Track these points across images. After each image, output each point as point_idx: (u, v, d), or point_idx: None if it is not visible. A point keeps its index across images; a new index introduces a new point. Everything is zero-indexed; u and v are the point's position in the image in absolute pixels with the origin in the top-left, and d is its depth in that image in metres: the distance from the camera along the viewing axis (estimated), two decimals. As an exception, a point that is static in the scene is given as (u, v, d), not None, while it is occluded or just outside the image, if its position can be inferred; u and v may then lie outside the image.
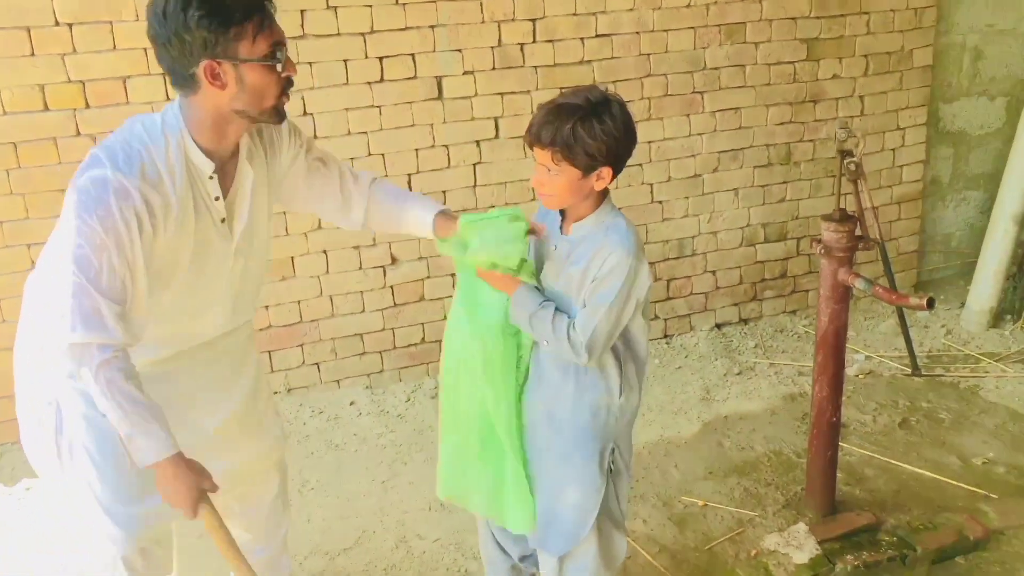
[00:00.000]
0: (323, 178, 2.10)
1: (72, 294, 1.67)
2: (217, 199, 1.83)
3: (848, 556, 2.64)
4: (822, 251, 2.51)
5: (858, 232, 2.51)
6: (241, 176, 1.87)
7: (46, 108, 3.15)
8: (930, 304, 2.21)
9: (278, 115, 1.80)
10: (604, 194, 1.94)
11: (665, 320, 4.24)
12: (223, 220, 1.86)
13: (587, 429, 2.01)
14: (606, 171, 1.85)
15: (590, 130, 1.78)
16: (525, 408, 2.07)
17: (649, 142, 3.93)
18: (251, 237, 1.94)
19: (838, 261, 2.50)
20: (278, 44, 1.71)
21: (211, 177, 1.80)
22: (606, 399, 2.00)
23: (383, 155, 3.56)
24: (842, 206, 2.58)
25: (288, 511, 2.44)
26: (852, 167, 2.45)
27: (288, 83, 1.77)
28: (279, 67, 1.72)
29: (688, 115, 3.95)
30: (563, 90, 1.95)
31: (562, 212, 1.99)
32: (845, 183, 2.57)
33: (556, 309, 1.92)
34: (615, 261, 1.86)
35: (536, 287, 1.96)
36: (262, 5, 1.69)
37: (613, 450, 2.06)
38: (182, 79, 1.71)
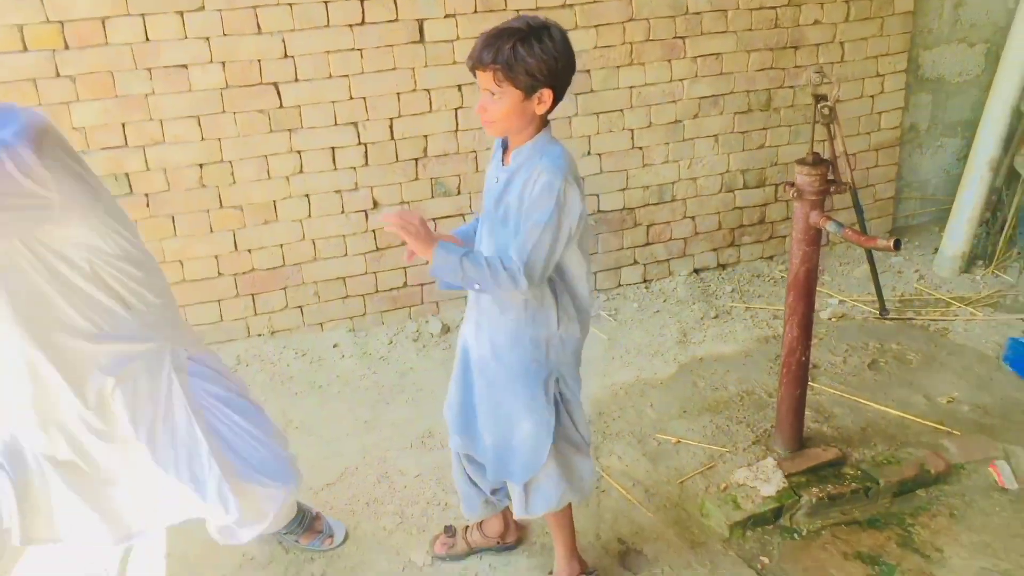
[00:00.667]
0: None
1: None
2: None
3: (813, 489, 2.74)
4: (795, 194, 2.56)
5: (831, 176, 2.56)
6: None
7: (25, 49, 3.14)
8: (897, 245, 2.27)
9: None
10: (544, 123, 1.96)
11: (644, 265, 4.30)
12: None
13: (529, 362, 2.08)
14: (547, 93, 1.87)
15: (530, 50, 1.81)
16: (473, 346, 2.15)
17: (631, 87, 3.94)
18: None
19: (810, 204, 2.55)
20: None
21: None
22: (544, 332, 2.05)
23: (364, 99, 3.57)
24: (817, 151, 2.63)
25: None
26: (825, 111, 2.49)
27: None
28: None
29: (670, 60, 3.96)
30: None
31: (505, 146, 2.01)
32: (821, 128, 2.60)
33: (477, 251, 1.96)
34: (545, 182, 1.86)
35: (452, 245, 1.95)
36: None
37: (557, 380, 2.12)
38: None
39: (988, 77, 4.51)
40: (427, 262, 1.92)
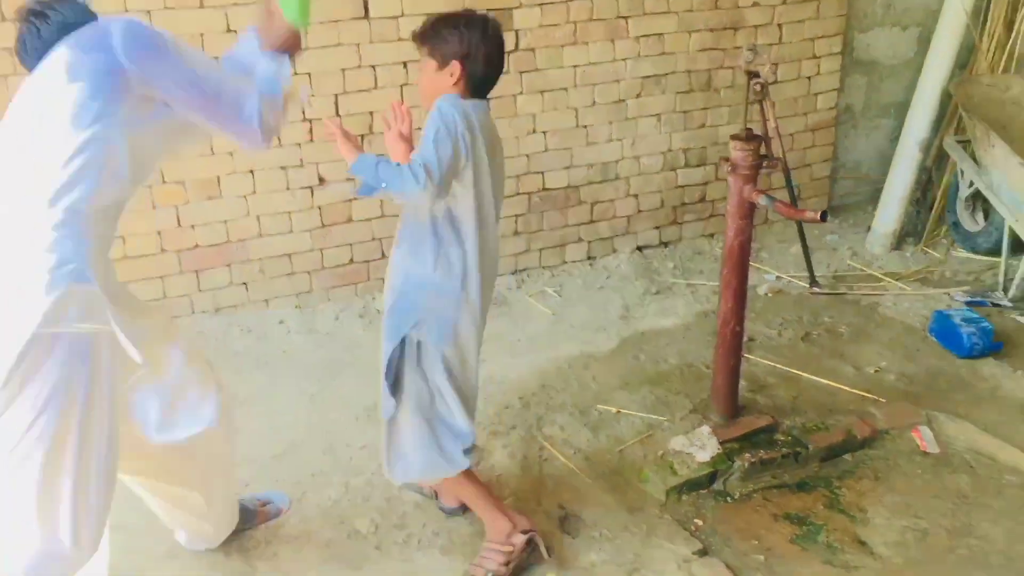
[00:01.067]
0: None
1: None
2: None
3: (746, 454, 2.85)
4: (729, 169, 2.65)
5: (764, 151, 2.65)
6: None
7: (3, 19, 3.08)
8: (823, 217, 2.38)
9: None
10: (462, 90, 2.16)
11: (589, 243, 4.37)
12: None
13: (398, 295, 2.24)
14: (455, 65, 2.11)
15: (450, 29, 2.12)
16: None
17: (575, 66, 4.00)
18: None
19: (744, 178, 2.64)
20: None
21: None
22: (419, 270, 2.20)
23: (309, 74, 3.57)
24: (751, 127, 2.72)
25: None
26: (757, 87, 2.58)
27: None
28: None
29: (613, 40, 4.03)
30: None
31: None
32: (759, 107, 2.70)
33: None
34: (433, 113, 2.11)
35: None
36: None
37: (416, 324, 2.21)
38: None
39: (920, 60, 4.67)
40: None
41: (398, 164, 2.07)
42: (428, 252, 2.18)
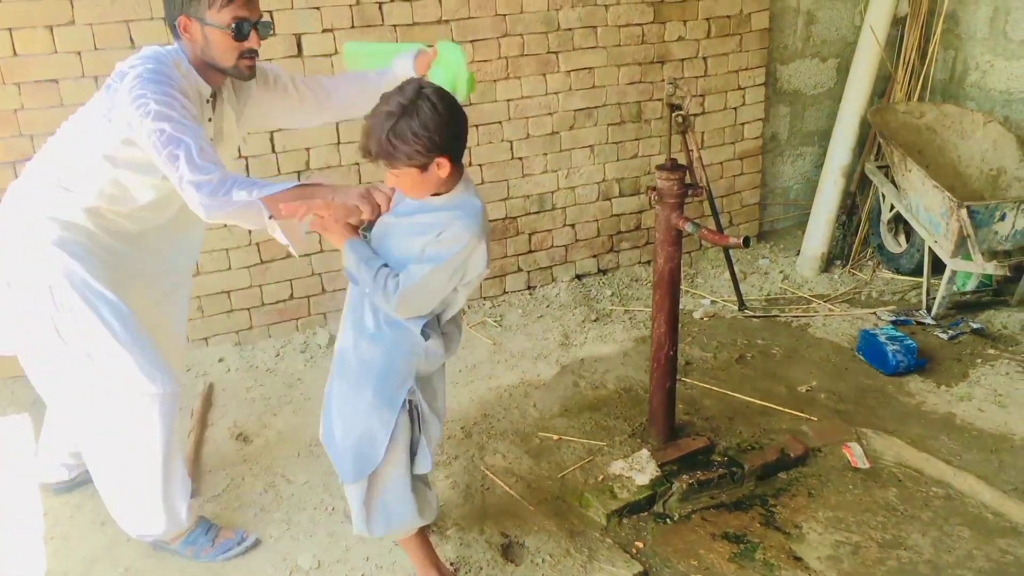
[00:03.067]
0: (288, 100, 2.52)
1: (164, 144, 2.01)
2: (209, 120, 2.28)
3: (684, 476, 2.91)
4: (656, 198, 2.73)
5: (688, 180, 2.74)
6: (222, 110, 2.34)
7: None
8: (746, 243, 2.46)
9: (239, 75, 2.25)
10: (459, 174, 2.04)
11: (528, 272, 4.44)
12: (210, 139, 2.22)
13: (386, 363, 2.15)
14: (442, 160, 1.93)
15: (403, 134, 1.87)
16: (339, 336, 2.25)
17: (508, 100, 4.08)
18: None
19: (670, 207, 2.73)
20: (242, 19, 2.14)
21: (208, 100, 2.26)
22: (409, 339, 2.12)
23: (243, 112, 3.58)
24: (675, 157, 2.81)
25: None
26: (679, 119, 2.67)
27: (249, 51, 2.19)
28: (237, 37, 2.15)
29: (544, 74, 4.13)
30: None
31: None
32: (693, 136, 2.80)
33: (384, 265, 2.04)
34: (456, 232, 1.98)
35: (360, 243, 2.08)
36: None
37: (412, 391, 2.18)
38: (170, 27, 2.20)
39: (840, 89, 4.87)
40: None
41: (378, 272, 2.00)
42: (419, 324, 2.10)
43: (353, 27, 3.65)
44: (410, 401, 2.18)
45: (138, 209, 2.31)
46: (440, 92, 1.93)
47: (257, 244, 3.79)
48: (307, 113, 2.59)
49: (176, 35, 2.20)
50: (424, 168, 1.94)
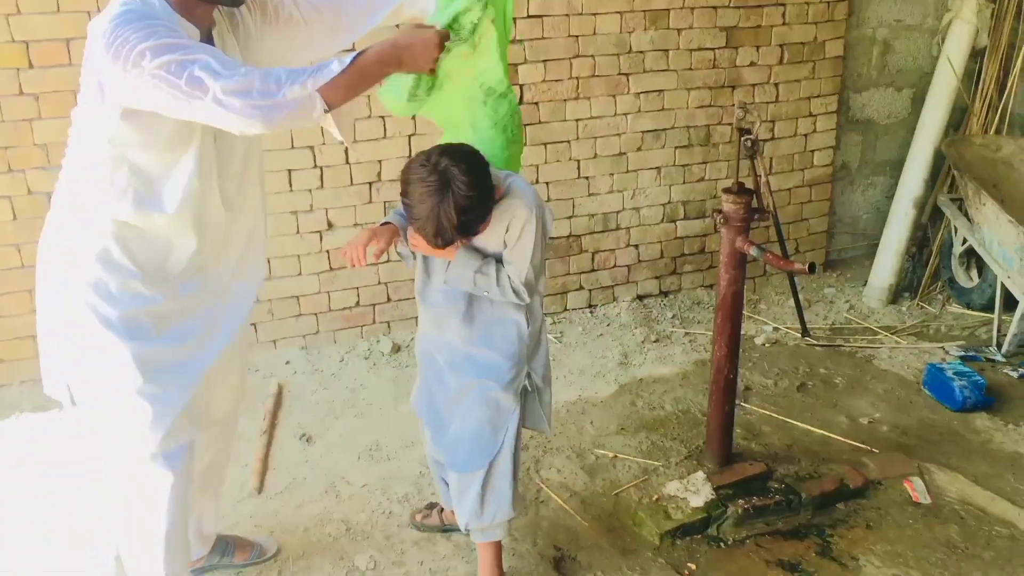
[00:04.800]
0: (297, 29, 2.14)
1: (177, 75, 1.69)
2: None
3: (739, 500, 2.89)
4: (721, 221, 2.74)
5: (755, 204, 2.75)
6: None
7: (-12, 66, 3.23)
8: (811, 269, 2.46)
9: (231, 1, 1.93)
10: None
11: (590, 291, 4.47)
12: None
13: (498, 357, 2.30)
14: (495, 194, 2.08)
15: (470, 207, 1.96)
16: (438, 348, 2.38)
17: (577, 120, 4.13)
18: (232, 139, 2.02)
19: (735, 230, 2.74)
20: None
21: None
22: (515, 331, 2.29)
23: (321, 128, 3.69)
24: (743, 181, 2.82)
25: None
26: (748, 143, 2.68)
27: None
28: None
29: (614, 95, 4.17)
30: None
31: None
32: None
33: (496, 262, 2.18)
34: (522, 220, 2.12)
35: (473, 252, 2.18)
36: None
37: (529, 375, 2.36)
38: None
39: (914, 119, 4.81)
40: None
41: (499, 276, 2.15)
42: (520, 314, 2.27)
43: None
44: (527, 383, 2.34)
45: (169, 221, 1.99)
46: (451, 147, 2.02)
47: (327, 251, 3.90)
48: (320, 41, 2.18)
49: None
50: (491, 213, 2.08)
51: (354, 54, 1.82)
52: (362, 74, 1.82)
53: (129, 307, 2.00)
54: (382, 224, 2.25)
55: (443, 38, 1.96)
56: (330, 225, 3.87)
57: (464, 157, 1.99)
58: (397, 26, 2.32)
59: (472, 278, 2.17)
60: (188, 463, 2.18)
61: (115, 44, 1.70)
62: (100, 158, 1.90)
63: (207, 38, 1.93)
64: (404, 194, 2.02)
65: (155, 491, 2.13)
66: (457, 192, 1.94)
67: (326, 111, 1.78)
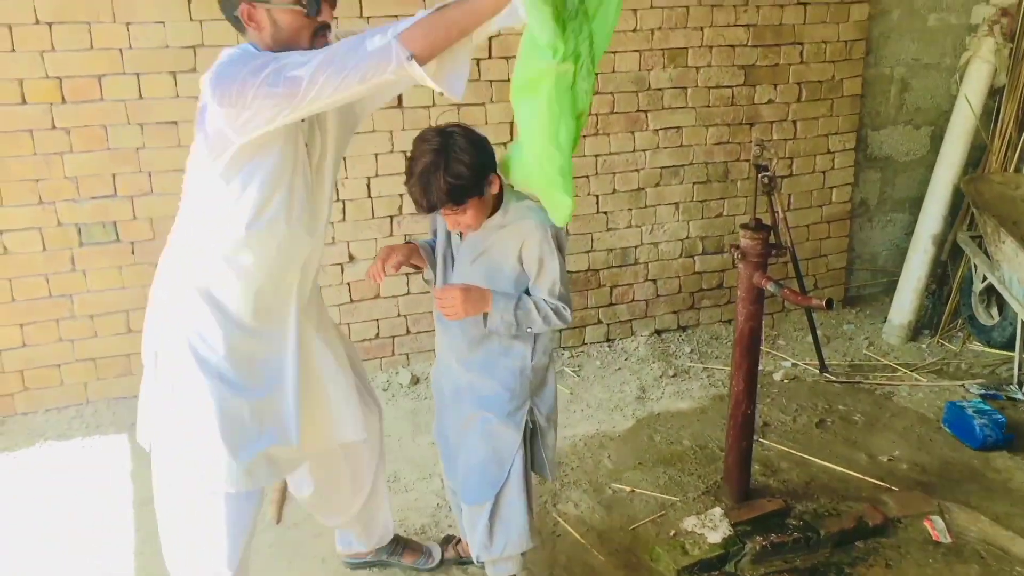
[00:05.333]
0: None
1: (281, 82, 1.76)
2: (303, 120, 1.97)
3: (757, 537, 2.88)
4: (739, 256, 2.77)
5: (772, 240, 2.77)
6: None
7: (23, 101, 3.32)
8: (829, 305, 2.47)
9: None
10: (499, 184, 2.18)
11: (608, 324, 4.48)
12: (305, 144, 2.02)
13: (501, 390, 2.31)
14: (492, 177, 2.10)
15: (459, 172, 2.00)
16: (448, 380, 2.41)
17: (596, 155, 4.18)
18: (321, 164, 2.10)
19: (753, 266, 2.76)
20: None
21: None
22: (519, 363, 2.31)
23: (344, 158, 3.73)
24: (760, 217, 2.85)
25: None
26: (766, 180, 2.71)
27: (323, 26, 1.94)
28: (309, 12, 1.90)
29: (633, 132, 4.22)
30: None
31: None
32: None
33: (525, 295, 2.22)
34: (537, 240, 2.17)
35: (506, 293, 2.22)
36: None
37: (532, 409, 2.35)
38: (232, 21, 1.94)
39: (933, 157, 4.82)
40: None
41: (539, 309, 2.19)
42: (525, 346, 2.29)
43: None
44: (529, 419, 2.33)
45: (272, 258, 2.06)
46: (461, 129, 2.07)
47: (348, 284, 3.95)
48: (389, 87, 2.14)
49: (240, 29, 1.95)
50: (483, 194, 2.09)
51: (437, 8, 1.82)
52: (443, 18, 1.79)
53: (226, 348, 2.07)
54: (405, 244, 2.35)
55: None
56: (351, 258, 3.92)
57: (471, 133, 2.07)
58: None
59: (514, 317, 2.19)
60: (251, 508, 2.21)
61: (220, 88, 1.80)
62: (211, 201, 1.99)
63: None
64: (410, 157, 2.07)
65: (213, 525, 2.15)
66: (454, 156, 2.00)
67: (410, 58, 1.75)
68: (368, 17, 3.65)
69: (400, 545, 2.82)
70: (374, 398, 2.56)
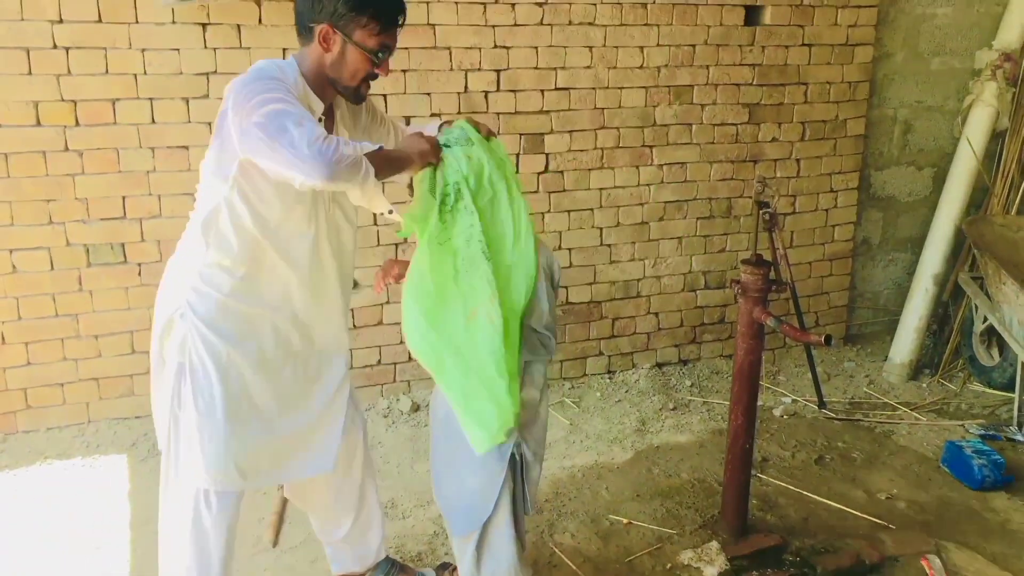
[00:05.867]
0: (382, 138, 2.44)
1: (270, 123, 1.91)
2: None
3: (754, 572, 2.88)
4: (739, 291, 2.79)
5: (772, 276, 2.80)
6: (338, 130, 2.27)
7: (38, 123, 3.39)
8: (827, 341, 2.49)
9: (356, 97, 2.20)
10: None
11: (609, 356, 4.50)
12: None
13: None
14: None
15: None
16: (438, 403, 2.41)
17: (600, 189, 4.23)
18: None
19: (753, 301, 2.79)
20: (385, 47, 2.12)
21: (320, 119, 2.13)
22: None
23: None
24: (761, 253, 2.88)
25: None
26: (767, 216, 2.75)
27: (372, 76, 2.16)
28: (375, 63, 2.12)
29: (638, 166, 4.27)
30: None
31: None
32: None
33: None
34: None
35: None
36: (395, 17, 2.12)
37: (519, 443, 2.33)
38: (303, 28, 2.10)
39: (935, 197, 4.86)
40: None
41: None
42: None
43: (459, 112, 3.87)
44: (516, 452, 2.32)
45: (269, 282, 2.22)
46: None
47: (352, 310, 3.97)
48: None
49: (305, 40, 2.11)
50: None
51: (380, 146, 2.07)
52: (391, 158, 2.09)
53: (227, 349, 2.19)
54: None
55: (434, 145, 2.18)
56: (355, 284, 3.93)
57: None
58: None
59: None
60: (231, 510, 2.30)
61: (240, 97, 1.96)
62: (223, 199, 2.10)
63: (328, 111, 2.21)
64: None
65: (199, 521, 2.26)
66: None
67: (372, 174, 1.98)
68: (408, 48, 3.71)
69: (396, 568, 2.83)
70: (359, 411, 2.65)
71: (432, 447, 2.50)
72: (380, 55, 2.10)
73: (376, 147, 2.03)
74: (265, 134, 1.90)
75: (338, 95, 2.21)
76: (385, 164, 2.05)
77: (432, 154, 2.16)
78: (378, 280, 2.45)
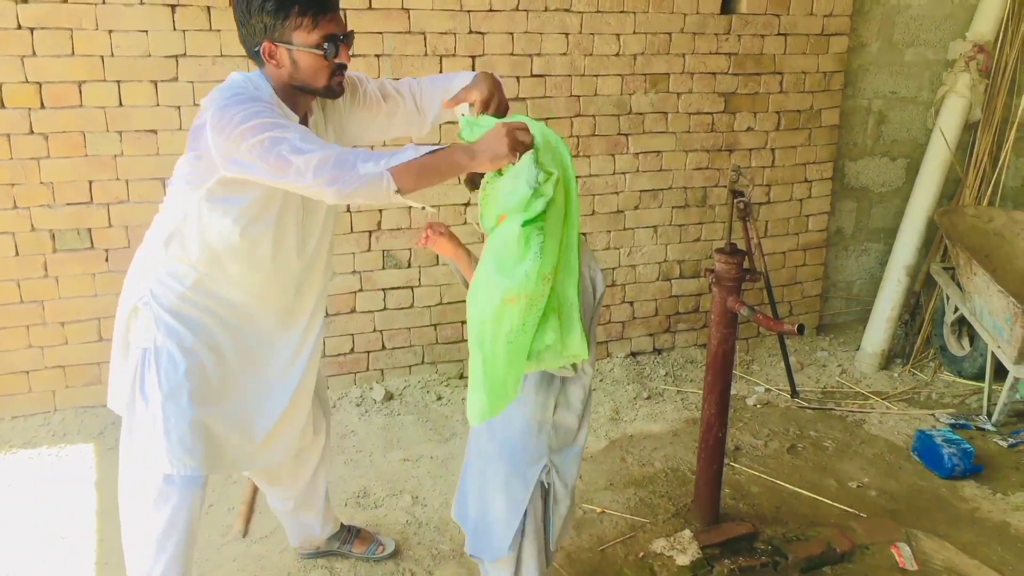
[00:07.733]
0: (380, 111, 2.29)
1: (268, 151, 1.85)
2: None
3: (726, 560, 2.89)
4: (713, 280, 2.79)
5: (746, 265, 2.80)
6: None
7: (2, 106, 3.31)
8: (800, 330, 2.49)
9: (331, 94, 2.10)
10: None
11: (584, 346, 4.48)
12: None
13: (516, 441, 2.15)
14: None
15: None
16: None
17: (576, 177, 4.19)
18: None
19: (727, 290, 2.78)
20: (331, 37, 2.00)
21: None
22: (539, 415, 2.14)
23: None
24: (735, 242, 2.88)
25: None
26: (741, 206, 2.74)
27: (339, 67, 2.06)
28: (327, 56, 2.01)
29: (613, 155, 4.25)
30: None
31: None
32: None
33: None
34: None
35: None
36: (323, 4, 2.00)
37: (548, 470, 2.16)
38: (252, 55, 2.06)
39: (908, 188, 4.89)
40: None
41: None
42: (548, 397, 2.14)
43: (434, 99, 3.83)
44: (545, 479, 2.18)
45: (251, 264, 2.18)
46: None
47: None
48: (401, 121, 2.32)
49: (259, 63, 2.06)
50: None
51: (433, 147, 1.91)
52: (433, 166, 1.90)
53: (195, 338, 2.19)
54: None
55: (513, 131, 1.93)
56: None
57: None
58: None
59: None
60: (196, 494, 2.28)
61: (222, 121, 1.90)
62: (192, 209, 2.09)
63: (303, 121, 2.12)
64: None
65: (161, 507, 2.25)
66: None
67: (397, 192, 1.87)
68: (381, 32, 3.67)
69: (352, 534, 2.87)
70: (326, 403, 2.69)
71: (465, 462, 2.34)
72: (327, 46, 2.00)
73: (409, 155, 1.87)
74: (267, 164, 1.87)
75: (314, 98, 2.14)
76: (418, 175, 1.88)
77: (519, 147, 1.91)
78: (432, 234, 2.20)
